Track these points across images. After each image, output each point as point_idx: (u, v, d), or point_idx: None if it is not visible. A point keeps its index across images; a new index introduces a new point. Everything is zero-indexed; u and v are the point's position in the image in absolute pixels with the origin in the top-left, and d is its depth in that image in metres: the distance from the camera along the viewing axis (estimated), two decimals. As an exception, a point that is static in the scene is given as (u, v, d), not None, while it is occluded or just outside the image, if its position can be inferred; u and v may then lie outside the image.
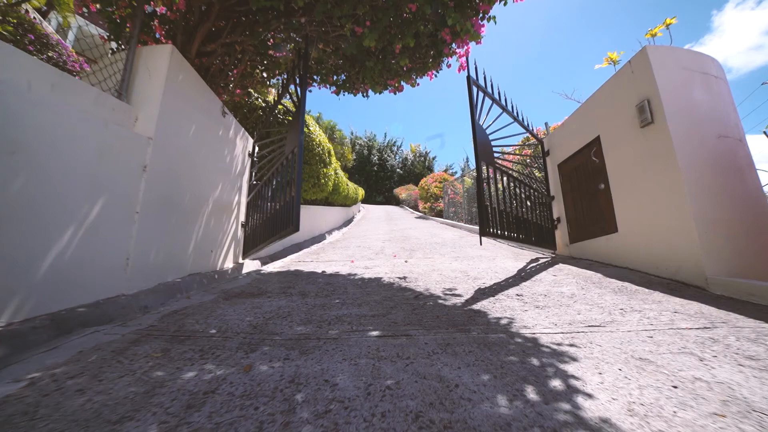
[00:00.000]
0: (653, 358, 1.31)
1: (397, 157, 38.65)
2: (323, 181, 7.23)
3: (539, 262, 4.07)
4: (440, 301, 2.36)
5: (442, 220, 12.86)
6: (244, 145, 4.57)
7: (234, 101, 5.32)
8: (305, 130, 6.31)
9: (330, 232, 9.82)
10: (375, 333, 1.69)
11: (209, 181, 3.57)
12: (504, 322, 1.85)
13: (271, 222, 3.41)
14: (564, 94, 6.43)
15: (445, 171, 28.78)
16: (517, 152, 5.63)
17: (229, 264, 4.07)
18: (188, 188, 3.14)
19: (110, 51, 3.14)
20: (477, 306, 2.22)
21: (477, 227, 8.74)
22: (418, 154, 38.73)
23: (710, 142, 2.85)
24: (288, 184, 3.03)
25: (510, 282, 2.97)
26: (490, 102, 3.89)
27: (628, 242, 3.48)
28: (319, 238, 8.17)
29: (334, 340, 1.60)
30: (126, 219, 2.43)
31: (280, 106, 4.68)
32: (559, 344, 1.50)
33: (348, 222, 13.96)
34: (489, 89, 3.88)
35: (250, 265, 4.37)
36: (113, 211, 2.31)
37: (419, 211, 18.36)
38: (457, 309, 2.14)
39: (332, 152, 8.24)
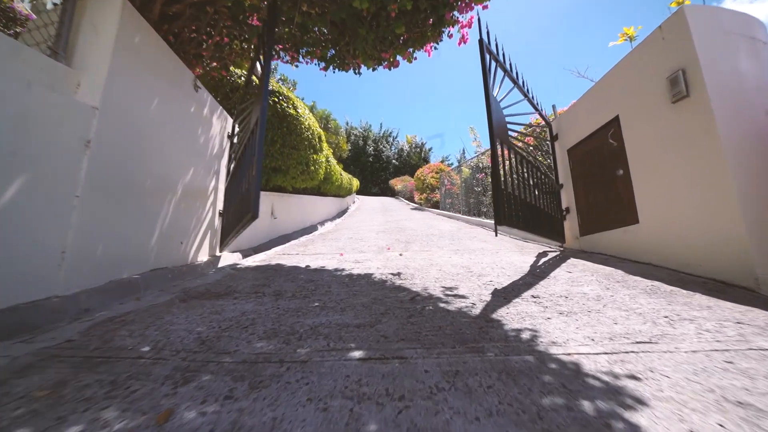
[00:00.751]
0: (760, 404, 0.90)
1: (393, 148, 38.07)
2: (313, 168, 6.74)
3: (549, 257, 3.67)
4: (441, 305, 1.94)
5: (438, 211, 12.46)
6: (222, 125, 4.10)
7: (212, 77, 4.80)
8: (292, 112, 5.80)
9: (322, 223, 9.39)
10: (358, 354, 1.26)
11: (178, 162, 3.10)
12: (526, 336, 1.44)
13: (238, 209, 2.95)
14: (576, 71, 5.95)
15: (442, 162, 28.24)
16: (528, 134, 5.13)
17: (203, 257, 3.62)
18: (150, 170, 2.67)
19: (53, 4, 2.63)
20: (487, 312, 1.80)
21: (475, 218, 8.33)
22: (414, 146, 38.17)
23: (758, 117, 2.43)
24: (249, 164, 2.56)
25: (521, 280, 2.56)
26: (502, 73, 3.41)
27: (652, 234, 3.07)
28: (310, 230, 7.74)
29: (301, 365, 1.17)
30: (61, 204, 1.97)
31: (254, 77, 4.19)
32: (610, 373, 1.09)
33: (342, 213, 13.52)
34: (501, 59, 3.41)
35: (228, 259, 3.93)
36: (42, 193, 1.85)
37: (415, 203, 17.94)
38: (464, 316, 1.73)
39: (323, 138, 7.73)
